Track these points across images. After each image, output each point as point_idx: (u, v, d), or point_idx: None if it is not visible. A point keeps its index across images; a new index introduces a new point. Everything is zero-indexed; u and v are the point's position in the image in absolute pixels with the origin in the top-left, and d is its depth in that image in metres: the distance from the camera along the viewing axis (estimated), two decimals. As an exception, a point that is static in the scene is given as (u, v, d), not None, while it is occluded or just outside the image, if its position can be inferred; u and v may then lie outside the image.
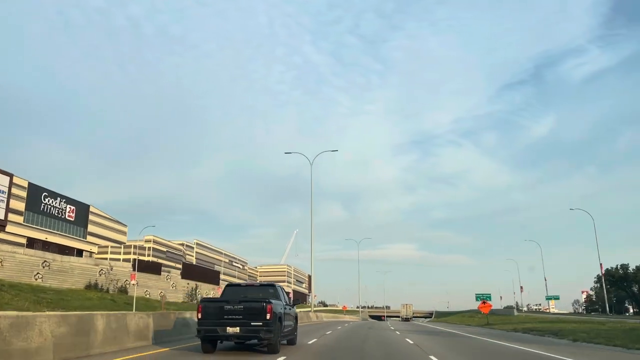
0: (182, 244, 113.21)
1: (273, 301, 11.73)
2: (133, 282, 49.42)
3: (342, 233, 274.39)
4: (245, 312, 11.24)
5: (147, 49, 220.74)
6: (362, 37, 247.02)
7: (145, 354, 11.36)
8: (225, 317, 11.22)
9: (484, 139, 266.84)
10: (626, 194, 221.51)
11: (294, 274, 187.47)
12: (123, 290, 60.18)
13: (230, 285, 14.34)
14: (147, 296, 69.97)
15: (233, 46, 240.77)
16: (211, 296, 61.41)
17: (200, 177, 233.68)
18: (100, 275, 63.90)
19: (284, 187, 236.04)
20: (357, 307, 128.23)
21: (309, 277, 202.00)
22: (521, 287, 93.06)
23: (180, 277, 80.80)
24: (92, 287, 60.66)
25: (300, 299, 32.16)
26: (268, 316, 11.18)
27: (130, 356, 10.83)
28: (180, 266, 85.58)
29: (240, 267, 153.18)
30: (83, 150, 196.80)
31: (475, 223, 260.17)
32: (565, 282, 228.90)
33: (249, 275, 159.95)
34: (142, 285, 70.68)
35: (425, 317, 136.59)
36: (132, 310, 51.01)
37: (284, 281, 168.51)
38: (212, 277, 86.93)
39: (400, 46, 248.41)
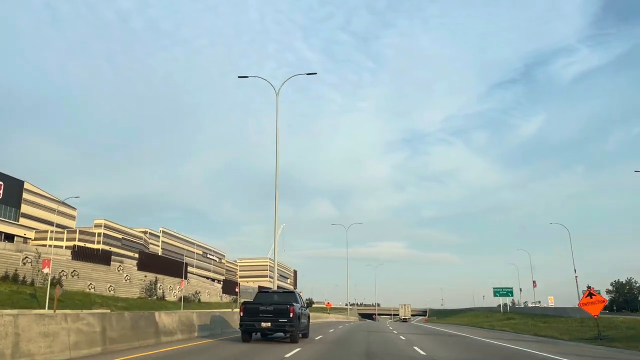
0: (145, 232, 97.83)
1: (294, 304, 16.18)
2: (45, 270, 36.00)
3: (332, 231, 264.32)
4: (275, 311, 15.74)
5: (138, 44, 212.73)
6: (354, 34, 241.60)
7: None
8: (260, 315, 15.74)
9: (475, 137, 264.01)
10: (615, 193, 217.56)
11: (277, 269, 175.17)
12: (58, 283, 47.68)
13: (261, 292, 18.88)
14: (92, 290, 57.45)
15: (224, 42, 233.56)
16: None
17: (192, 174, 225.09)
18: (24, 264, 51.53)
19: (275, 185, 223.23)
20: (346, 305, 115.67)
21: (295, 272, 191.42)
22: (534, 282, 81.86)
23: (136, 268, 68.19)
24: (9, 278, 48.37)
25: None
26: (291, 315, 15.64)
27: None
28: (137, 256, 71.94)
29: (217, 260, 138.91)
30: (73, 146, 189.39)
31: (466, 221, 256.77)
32: (563, 281, 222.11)
33: (226, 270, 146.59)
34: (85, 278, 58.28)
35: (418, 316, 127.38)
36: (44, 309, 37.98)
37: (266, 276, 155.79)
38: (176, 269, 73.75)
39: (392, 43, 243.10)
